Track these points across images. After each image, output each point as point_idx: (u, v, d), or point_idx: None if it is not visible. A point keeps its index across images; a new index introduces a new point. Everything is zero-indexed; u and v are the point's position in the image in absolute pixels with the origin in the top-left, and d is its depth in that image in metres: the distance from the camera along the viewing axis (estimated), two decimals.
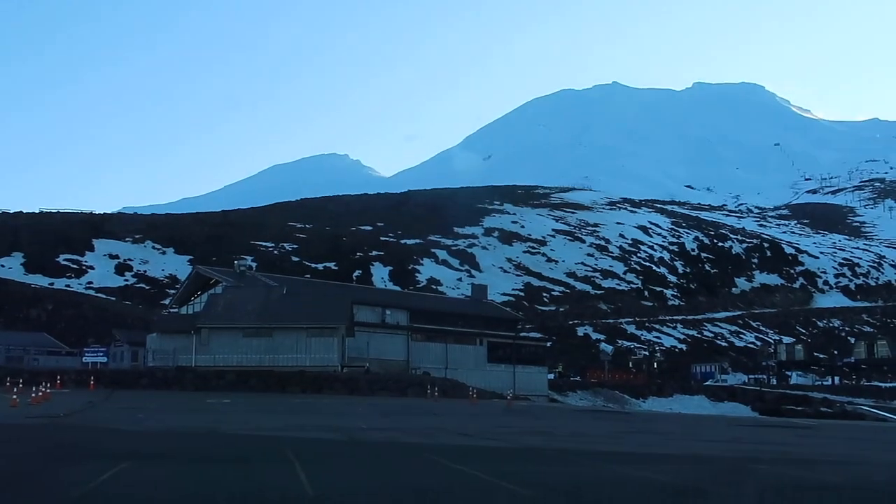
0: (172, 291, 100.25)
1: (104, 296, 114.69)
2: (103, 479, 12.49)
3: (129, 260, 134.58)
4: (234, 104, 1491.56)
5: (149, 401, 38.14)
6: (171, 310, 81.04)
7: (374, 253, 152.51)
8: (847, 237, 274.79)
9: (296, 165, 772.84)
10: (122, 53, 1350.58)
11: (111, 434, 21.85)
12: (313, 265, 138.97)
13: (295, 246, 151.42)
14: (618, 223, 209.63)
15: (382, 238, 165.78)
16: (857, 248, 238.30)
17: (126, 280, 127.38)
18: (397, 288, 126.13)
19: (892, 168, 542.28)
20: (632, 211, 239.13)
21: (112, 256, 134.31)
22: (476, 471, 14.96)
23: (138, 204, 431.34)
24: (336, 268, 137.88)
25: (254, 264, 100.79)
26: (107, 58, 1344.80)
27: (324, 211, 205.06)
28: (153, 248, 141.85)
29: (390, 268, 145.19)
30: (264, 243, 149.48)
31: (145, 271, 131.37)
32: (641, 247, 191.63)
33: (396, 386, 55.89)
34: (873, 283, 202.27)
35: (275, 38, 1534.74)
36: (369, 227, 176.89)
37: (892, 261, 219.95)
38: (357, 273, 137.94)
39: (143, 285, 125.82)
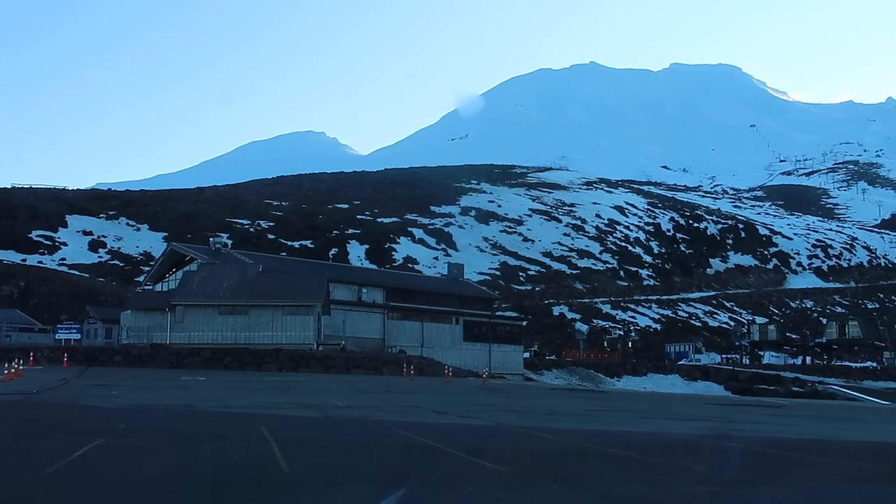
0: (147, 269, 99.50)
1: (78, 272, 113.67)
2: (76, 455, 12.42)
3: (103, 236, 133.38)
4: (209, 81, 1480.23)
5: (123, 378, 37.94)
6: (146, 287, 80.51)
7: (351, 231, 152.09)
8: (820, 219, 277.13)
9: (272, 143, 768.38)
10: (102, 32, 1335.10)
11: (84, 411, 21.72)
12: (289, 243, 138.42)
13: (271, 223, 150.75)
14: (594, 203, 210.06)
15: (359, 216, 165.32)
16: (830, 229, 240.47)
17: (100, 257, 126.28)
18: (374, 266, 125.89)
19: (865, 151, 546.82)
20: (608, 191, 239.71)
21: (86, 233, 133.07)
22: (451, 448, 15.01)
23: (112, 180, 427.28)
24: (312, 246, 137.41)
25: (229, 242, 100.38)
26: (84, 36, 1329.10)
27: (300, 189, 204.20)
28: (127, 224, 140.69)
29: (367, 246, 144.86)
30: (240, 221, 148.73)
31: (119, 248, 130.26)
32: (617, 227, 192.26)
33: (372, 364, 55.93)
34: (845, 265, 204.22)
35: (253, 16, 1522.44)
36: (346, 206, 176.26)
37: (864, 243, 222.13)
38: (333, 251, 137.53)
39: (117, 262, 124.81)
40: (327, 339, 61.22)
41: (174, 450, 14.08)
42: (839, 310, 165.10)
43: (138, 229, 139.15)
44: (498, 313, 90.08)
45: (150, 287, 77.83)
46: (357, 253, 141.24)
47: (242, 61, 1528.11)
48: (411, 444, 15.95)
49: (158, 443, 15.08)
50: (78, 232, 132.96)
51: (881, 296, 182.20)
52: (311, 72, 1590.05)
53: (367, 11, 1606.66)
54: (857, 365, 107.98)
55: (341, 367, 54.01)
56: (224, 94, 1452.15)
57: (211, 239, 77.09)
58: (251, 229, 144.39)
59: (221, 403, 25.11)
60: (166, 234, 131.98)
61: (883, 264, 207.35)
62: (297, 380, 43.39)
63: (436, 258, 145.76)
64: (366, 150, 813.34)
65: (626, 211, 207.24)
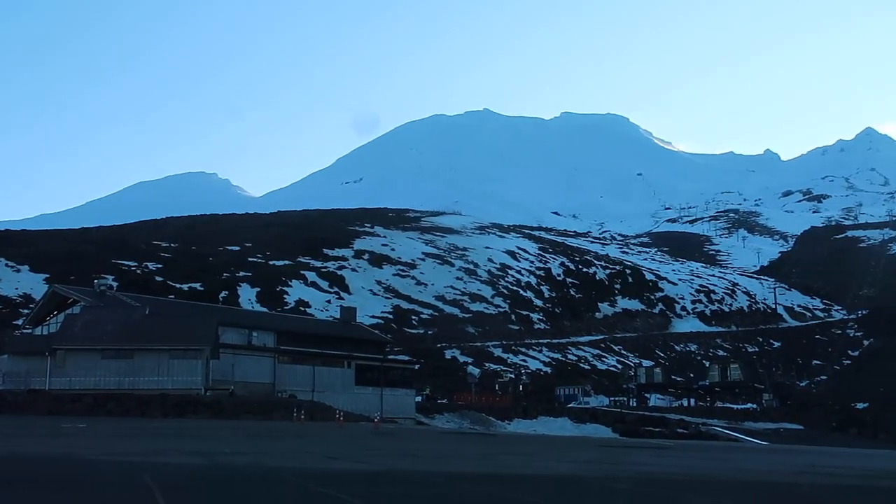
0: (27, 311, 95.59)
1: None
2: None
3: None
4: (98, 119, 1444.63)
5: None
6: (25, 330, 77.35)
7: (242, 274, 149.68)
8: (703, 265, 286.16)
9: (162, 183, 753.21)
10: None
11: None
12: (178, 285, 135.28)
13: (159, 265, 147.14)
14: (487, 248, 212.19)
15: (250, 259, 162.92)
16: (713, 275, 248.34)
17: None
18: (265, 309, 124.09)
19: (745, 200, 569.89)
20: (500, 236, 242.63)
21: None
22: (342, 494, 14.87)
23: None
24: (202, 288, 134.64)
25: (115, 284, 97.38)
26: None
27: (190, 230, 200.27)
28: (6, 265, 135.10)
29: (258, 289, 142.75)
30: (127, 262, 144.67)
31: None
32: (509, 271, 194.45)
33: (262, 409, 54.94)
34: (727, 310, 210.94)
35: (145, 56, 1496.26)
36: (237, 248, 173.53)
37: (745, 288, 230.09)
38: (224, 294, 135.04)
39: None
40: (216, 383, 59.88)
41: (46, 501, 13.53)
42: (721, 353, 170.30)
43: (18, 270, 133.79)
44: (390, 357, 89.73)
45: (30, 330, 74.83)
46: (248, 296, 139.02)
47: (129, 96, 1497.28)
48: (300, 491, 15.73)
49: (31, 493, 14.44)
50: None
51: (760, 339, 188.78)
52: (202, 111, 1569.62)
53: (266, 58, 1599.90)
54: (738, 406, 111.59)
55: (230, 412, 52.87)
56: (111, 131, 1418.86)
57: (95, 281, 74.67)
58: (138, 271, 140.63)
59: (102, 451, 24.24)
60: (48, 275, 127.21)
61: (762, 309, 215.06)
62: (183, 426, 42.26)
63: (328, 301, 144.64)
64: (259, 191, 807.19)
65: (518, 255, 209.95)
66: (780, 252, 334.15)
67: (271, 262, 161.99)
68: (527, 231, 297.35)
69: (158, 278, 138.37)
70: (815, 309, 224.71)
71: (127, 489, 14.95)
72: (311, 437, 35.78)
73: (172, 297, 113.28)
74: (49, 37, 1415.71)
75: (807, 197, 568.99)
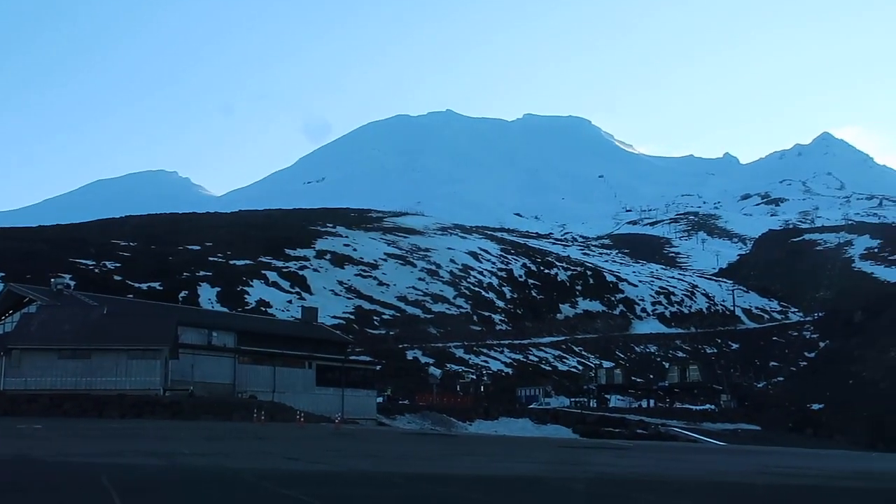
0: None
1: None
2: None
3: None
4: (56, 117, 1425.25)
5: None
6: None
7: (202, 273, 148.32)
8: (663, 267, 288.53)
9: (121, 181, 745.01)
10: None
11: None
12: (137, 285, 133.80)
13: (118, 264, 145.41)
14: (449, 248, 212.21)
15: (211, 258, 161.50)
16: (673, 277, 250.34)
17: None
18: (225, 309, 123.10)
19: (704, 203, 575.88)
20: (462, 237, 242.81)
21: None
22: (302, 495, 14.82)
23: None
24: (161, 288, 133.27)
25: (73, 283, 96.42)
26: None
27: (150, 229, 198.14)
28: None
29: (218, 289, 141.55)
30: (84, 261, 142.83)
31: None
32: (471, 272, 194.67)
33: (222, 409, 54.55)
34: (686, 311, 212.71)
35: (104, 55, 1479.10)
36: (197, 247, 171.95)
37: (704, 290, 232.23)
38: (183, 294, 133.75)
39: None
40: (175, 384, 59.37)
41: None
42: (680, 354, 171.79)
43: None
44: (352, 357, 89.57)
45: None
46: (208, 296, 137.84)
47: (87, 94, 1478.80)
48: (260, 492, 15.65)
49: None
50: None
51: (719, 341, 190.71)
52: (162, 108, 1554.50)
53: (230, 57, 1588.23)
54: (697, 407, 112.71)
55: (189, 413, 52.44)
56: (69, 128, 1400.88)
57: (52, 280, 73.71)
58: (96, 270, 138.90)
59: (59, 452, 23.93)
60: (3, 274, 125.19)
61: (720, 311, 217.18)
62: (141, 427, 41.83)
63: (289, 301, 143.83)
64: (220, 190, 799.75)
65: (480, 256, 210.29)
66: (738, 254, 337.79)
67: (232, 262, 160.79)
68: (489, 232, 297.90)
69: (117, 277, 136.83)
70: (773, 311, 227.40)
71: (83, 491, 14.78)
72: (271, 438, 35.59)
73: (131, 296, 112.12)
74: (7, 35, 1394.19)
75: (765, 200, 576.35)
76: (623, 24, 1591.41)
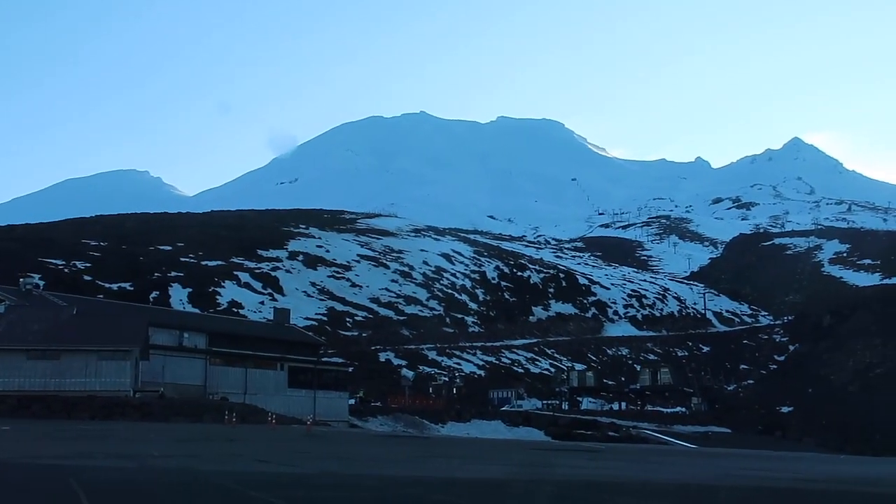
0: None
1: None
2: None
3: None
4: (26, 116, 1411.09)
5: None
6: None
7: (173, 274, 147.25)
8: (635, 270, 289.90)
9: (91, 181, 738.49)
10: None
11: None
12: (107, 285, 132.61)
13: (88, 264, 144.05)
14: (422, 250, 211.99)
15: (182, 259, 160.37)
16: (645, 280, 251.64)
17: None
18: (197, 310, 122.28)
19: (676, 206, 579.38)
20: (436, 238, 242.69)
21: None
22: (272, 497, 14.77)
23: None
24: (132, 288, 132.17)
25: (42, 283, 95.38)
26: None
27: (121, 228, 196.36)
28: None
29: (190, 289, 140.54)
30: (54, 261, 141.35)
31: None
32: (444, 274, 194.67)
33: (193, 411, 54.23)
34: (658, 314, 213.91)
35: (76, 53, 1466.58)
36: (169, 247, 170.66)
37: (675, 293, 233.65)
38: (154, 294, 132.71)
39: None
40: (145, 385, 58.92)
41: None
42: (652, 357, 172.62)
43: None
44: (324, 359, 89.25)
45: None
46: (179, 296, 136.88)
47: (59, 91, 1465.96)
48: (231, 495, 15.58)
49: None
50: None
51: (690, 344, 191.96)
52: (133, 107, 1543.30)
53: (195, 50, 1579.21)
54: (668, 410, 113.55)
55: (159, 414, 52.09)
56: (39, 127, 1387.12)
57: (21, 280, 72.89)
58: (66, 270, 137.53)
59: (27, 454, 23.69)
60: None
61: (692, 314, 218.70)
62: (111, 428, 41.49)
63: (262, 303, 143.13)
64: (192, 190, 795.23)
65: (453, 258, 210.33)
66: (709, 258, 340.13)
67: (204, 263, 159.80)
68: (462, 234, 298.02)
69: (87, 277, 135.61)
70: (743, 314, 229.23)
71: (52, 494, 14.65)
72: (242, 439, 35.43)
73: (101, 296, 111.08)
74: None
75: (736, 204, 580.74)
76: (597, 27, 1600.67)
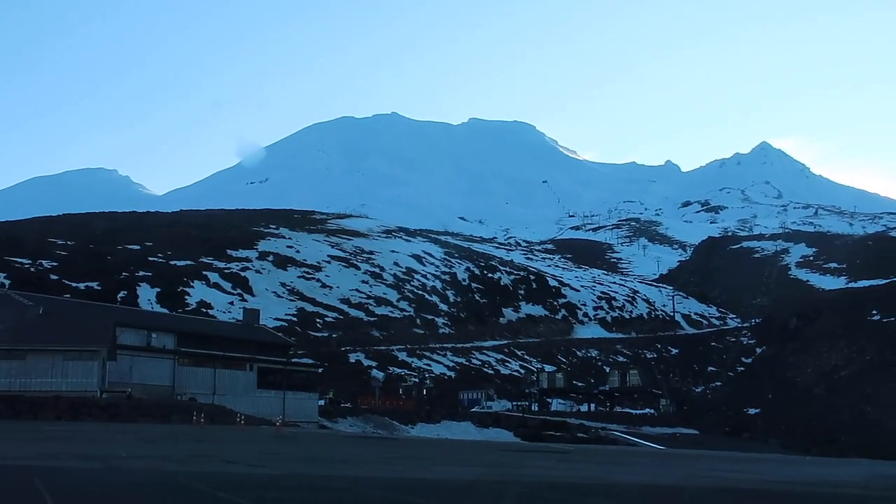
0: None
1: None
2: None
3: None
4: None
5: None
6: None
7: (142, 273, 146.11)
8: (605, 272, 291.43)
9: (58, 179, 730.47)
10: None
11: None
12: (74, 284, 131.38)
13: (54, 263, 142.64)
14: (392, 251, 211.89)
15: (151, 258, 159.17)
16: (614, 282, 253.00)
17: None
18: (165, 310, 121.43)
19: (646, 209, 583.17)
20: (406, 240, 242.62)
21: None
22: (240, 498, 14.74)
23: None
24: (99, 288, 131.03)
25: (7, 282, 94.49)
26: None
27: (88, 227, 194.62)
28: None
29: (158, 289, 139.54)
30: (20, 259, 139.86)
31: None
32: (415, 275, 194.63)
33: (161, 412, 53.91)
34: (627, 316, 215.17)
35: (42, 50, 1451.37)
36: (137, 247, 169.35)
37: (645, 295, 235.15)
38: (122, 294, 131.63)
39: None
40: (113, 385, 58.45)
41: None
42: (621, 359, 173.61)
43: None
44: (294, 360, 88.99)
45: None
46: (147, 296, 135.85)
47: (25, 88, 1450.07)
48: (198, 496, 15.51)
49: None
50: None
51: (659, 346, 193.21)
52: (102, 105, 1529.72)
53: (165, 49, 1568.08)
54: (637, 412, 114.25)
55: (127, 415, 51.74)
56: (5, 124, 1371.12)
57: None
58: (32, 269, 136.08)
59: None
60: None
61: (661, 316, 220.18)
62: (78, 429, 41.11)
63: (231, 303, 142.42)
64: (161, 190, 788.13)
65: (424, 260, 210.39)
66: (678, 261, 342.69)
67: (172, 262, 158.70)
68: (433, 235, 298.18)
69: (53, 277, 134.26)
70: (712, 317, 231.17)
71: (17, 496, 14.51)
72: (210, 440, 35.25)
73: (68, 296, 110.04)
74: None
75: (705, 208, 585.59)
76: (568, 30, 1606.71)
